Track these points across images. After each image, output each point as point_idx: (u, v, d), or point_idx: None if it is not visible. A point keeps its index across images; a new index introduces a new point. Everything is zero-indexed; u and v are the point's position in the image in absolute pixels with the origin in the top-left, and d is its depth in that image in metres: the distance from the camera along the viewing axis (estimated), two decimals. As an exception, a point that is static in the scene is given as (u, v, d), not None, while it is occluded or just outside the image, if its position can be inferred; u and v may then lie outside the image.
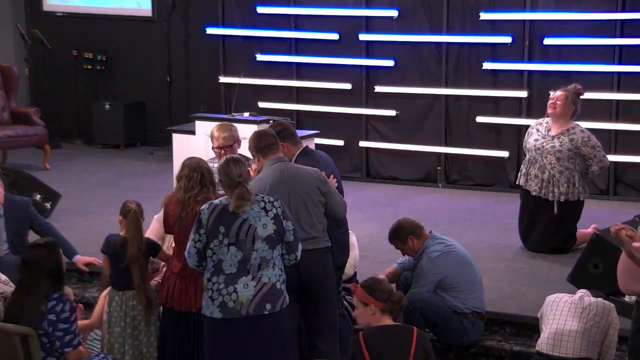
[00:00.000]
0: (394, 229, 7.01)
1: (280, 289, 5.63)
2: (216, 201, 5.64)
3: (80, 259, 7.27)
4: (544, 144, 8.30)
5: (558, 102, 8.26)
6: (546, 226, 8.40)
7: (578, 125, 8.36)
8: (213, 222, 5.54)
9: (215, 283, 5.55)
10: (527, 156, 8.49)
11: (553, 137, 8.29)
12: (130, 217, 6.24)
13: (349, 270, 7.01)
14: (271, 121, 8.60)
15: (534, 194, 8.38)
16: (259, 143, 6.22)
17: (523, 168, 8.53)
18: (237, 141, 7.28)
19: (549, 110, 8.33)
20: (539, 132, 8.40)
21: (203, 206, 5.65)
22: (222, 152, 7.14)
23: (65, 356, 5.64)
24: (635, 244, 5.52)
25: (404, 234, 6.92)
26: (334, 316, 6.31)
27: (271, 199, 5.66)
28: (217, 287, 5.55)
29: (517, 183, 8.69)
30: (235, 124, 7.51)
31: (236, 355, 5.57)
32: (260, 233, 5.56)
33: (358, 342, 5.45)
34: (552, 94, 8.47)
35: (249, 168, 6.93)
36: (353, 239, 7.24)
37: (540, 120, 8.55)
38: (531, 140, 8.43)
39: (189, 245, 5.62)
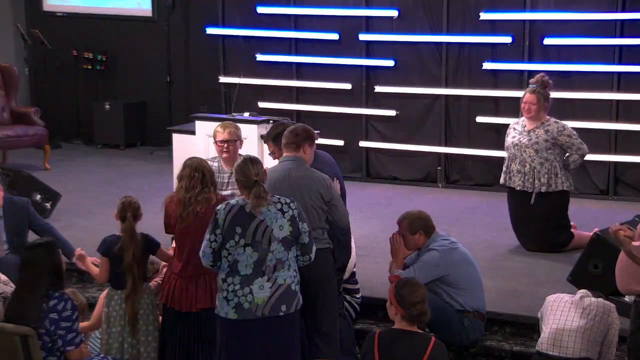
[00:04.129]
0: (411, 216, 6.87)
1: (295, 290, 5.65)
2: (232, 201, 5.64)
3: (80, 259, 7.26)
4: (521, 139, 8.44)
5: (532, 107, 8.39)
6: (534, 220, 8.44)
7: (552, 118, 8.48)
8: (230, 222, 5.54)
9: (231, 284, 5.56)
10: (507, 155, 8.61)
11: (529, 132, 8.43)
12: (123, 228, 6.24)
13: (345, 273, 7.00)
14: (271, 121, 8.60)
15: (518, 188, 8.48)
16: (285, 138, 6.30)
17: (504, 167, 8.63)
18: (240, 140, 7.28)
19: (525, 115, 8.46)
20: (515, 130, 8.56)
21: (219, 206, 5.65)
22: (225, 146, 7.13)
23: (67, 355, 5.63)
24: (635, 243, 5.54)
25: (417, 226, 6.82)
26: (334, 316, 6.31)
27: (287, 200, 5.66)
28: (232, 288, 5.55)
29: (500, 183, 8.74)
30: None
31: (250, 356, 5.58)
32: (277, 234, 5.56)
33: (372, 340, 5.42)
34: (523, 95, 8.50)
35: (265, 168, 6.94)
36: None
37: (517, 120, 8.67)
38: (509, 139, 8.58)
39: (204, 245, 5.62)
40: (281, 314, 5.57)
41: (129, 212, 6.25)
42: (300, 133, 6.34)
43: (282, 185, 6.06)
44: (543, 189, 8.35)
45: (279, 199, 5.66)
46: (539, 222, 8.43)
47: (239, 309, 5.54)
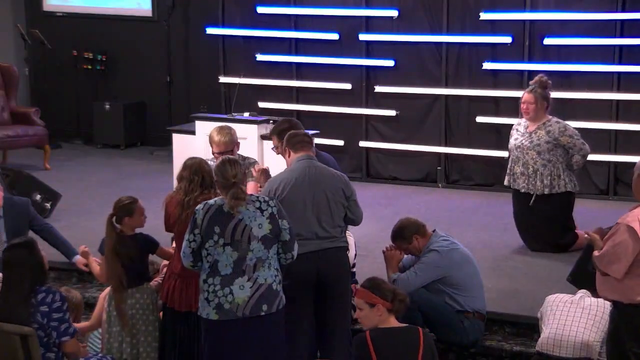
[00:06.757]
0: (399, 228, 6.92)
1: (277, 289, 5.61)
2: (211, 201, 5.63)
3: (80, 260, 7.26)
4: (523, 141, 8.44)
5: (530, 106, 8.40)
6: (539, 222, 8.43)
7: (553, 117, 8.48)
8: (208, 222, 5.53)
9: (211, 284, 5.54)
10: (511, 156, 8.62)
11: (531, 134, 8.42)
12: (106, 222, 6.29)
13: None
14: (271, 121, 8.60)
15: (522, 191, 8.47)
16: (293, 138, 6.36)
17: (508, 169, 8.64)
18: (236, 144, 7.28)
19: (524, 116, 8.48)
20: (518, 131, 8.57)
21: (198, 206, 5.64)
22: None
23: (63, 347, 5.62)
24: (595, 253, 5.52)
25: (408, 233, 6.84)
26: (348, 314, 6.30)
27: (266, 199, 5.66)
28: (213, 289, 5.53)
29: (504, 184, 8.75)
30: (236, 124, 7.51)
31: (233, 356, 5.55)
32: (256, 233, 5.54)
33: (365, 342, 5.34)
34: (522, 95, 8.52)
35: (252, 168, 6.94)
36: (351, 240, 7.23)
37: (519, 120, 8.67)
38: (512, 140, 8.59)
39: (184, 245, 5.61)
40: (262, 313, 5.53)
41: (114, 210, 6.30)
42: (283, 129, 6.58)
43: (303, 183, 6.10)
44: (546, 191, 8.34)
45: (258, 197, 5.66)
46: (544, 223, 8.41)
47: (220, 309, 5.51)
